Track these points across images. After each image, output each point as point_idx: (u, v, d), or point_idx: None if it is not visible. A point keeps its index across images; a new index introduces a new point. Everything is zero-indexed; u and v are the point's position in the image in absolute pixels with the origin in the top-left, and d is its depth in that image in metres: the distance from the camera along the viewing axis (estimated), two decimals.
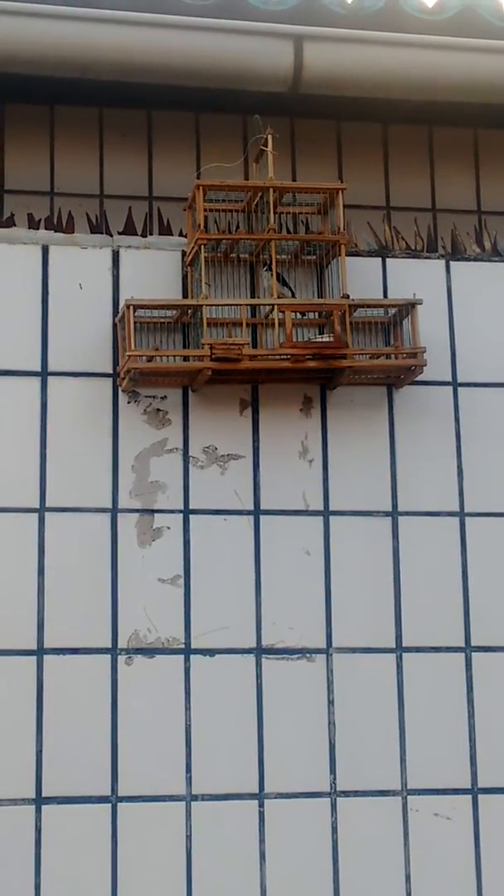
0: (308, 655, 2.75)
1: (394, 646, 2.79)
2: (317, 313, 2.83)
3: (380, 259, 2.93)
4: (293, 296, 2.85)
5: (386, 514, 2.83)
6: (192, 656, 2.71)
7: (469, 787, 2.76)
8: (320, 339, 2.78)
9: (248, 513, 2.78)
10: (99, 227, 2.99)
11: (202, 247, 2.72)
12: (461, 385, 2.90)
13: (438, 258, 2.96)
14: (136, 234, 2.97)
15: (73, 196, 3.13)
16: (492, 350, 2.93)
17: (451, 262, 2.95)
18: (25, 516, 2.70)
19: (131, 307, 2.68)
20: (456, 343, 2.92)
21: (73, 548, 2.71)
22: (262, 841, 2.67)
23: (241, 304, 2.75)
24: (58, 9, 2.89)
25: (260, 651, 2.74)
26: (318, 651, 2.76)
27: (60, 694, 2.65)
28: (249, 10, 2.98)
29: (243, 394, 2.82)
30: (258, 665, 2.73)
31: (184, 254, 2.83)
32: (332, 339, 2.74)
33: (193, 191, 2.75)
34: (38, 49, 2.91)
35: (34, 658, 2.65)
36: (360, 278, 2.87)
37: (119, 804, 2.64)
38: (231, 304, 2.76)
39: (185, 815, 2.66)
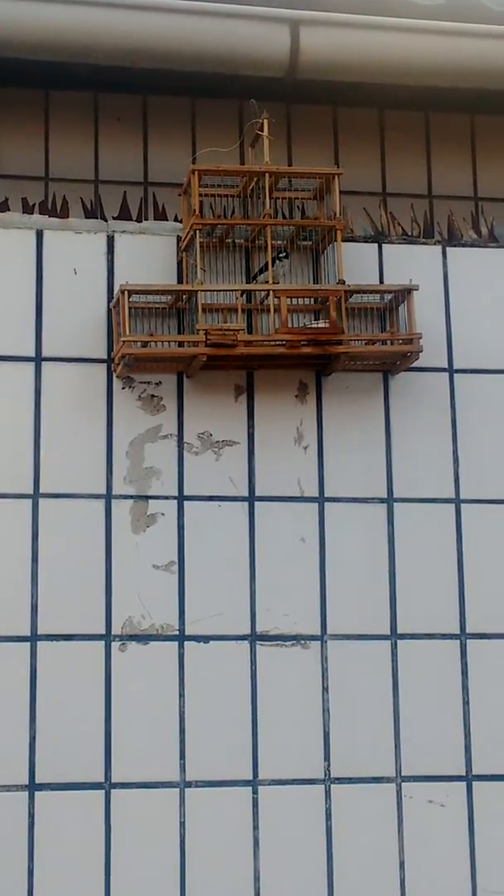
0: (302, 642, 2.75)
1: (388, 633, 2.78)
2: (312, 299, 2.82)
3: (376, 245, 2.92)
4: (287, 256, 2.81)
5: (381, 500, 2.83)
6: (186, 643, 2.70)
7: (463, 774, 2.76)
8: (316, 325, 2.77)
9: (242, 499, 2.77)
10: (94, 212, 2.98)
11: (197, 232, 2.71)
12: (457, 371, 2.89)
13: (435, 244, 2.95)
14: (132, 220, 2.96)
15: (68, 181, 3.12)
16: (488, 336, 2.92)
17: (448, 248, 2.94)
18: (19, 502, 2.70)
19: (126, 292, 2.67)
20: (452, 329, 2.91)
21: (66, 534, 2.70)
22: (255, 827, 2.67)
23: (236, 290, 2.74)
24: None
25: (254, 638, 2.73)
26: (312, 638, 2.75)
27: (54, 680, 2.64)
28: None
29: (238, 380, 2.81)
30: (252, 652, 2.73)
31: (179, 239, 2.82)
32: (327, 324, 2.73)
33: (189, 176, 2.74)
34: (33, 33, 2.90)
35: (28, 644, 2.65)
36: (356, 264, 2.86)
37: (113, 791, 2.63)
38: (226, 290, 2.75)
39: (178, 802, 2.65)
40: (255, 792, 2.68)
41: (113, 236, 2.82)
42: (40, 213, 2.88)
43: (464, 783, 2.76)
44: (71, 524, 2.70)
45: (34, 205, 2.96)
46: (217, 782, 2.67)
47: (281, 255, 2.79)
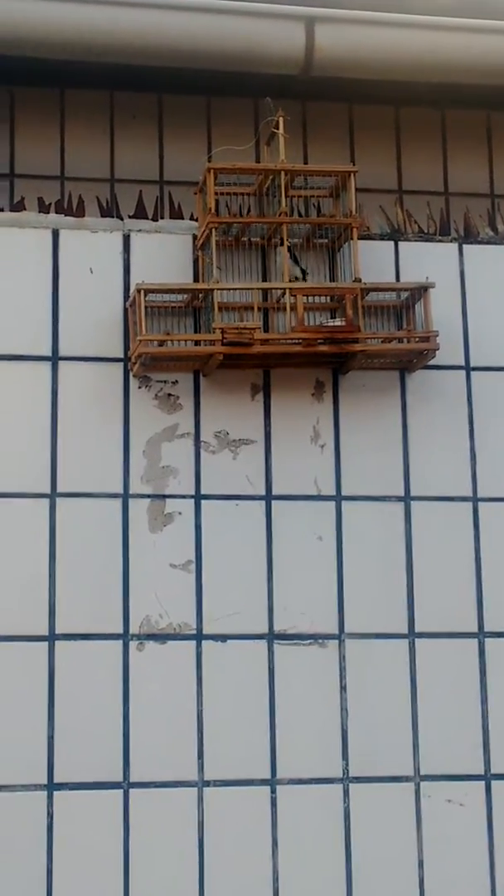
0: (320, 641, 2.74)
1: (406, 631, 2.78)
2: (329, 297, 2.81)
3: (392, 242, 2.91)
4: (304, 276, 2.83)
5: (398, 499, 2.82)
6: (203, 642, 2.70)
7: (482, 773, 2.76)
8: (332, 324, 2.77)
9: (259, 498, 2.77)
10: (110, 211, 2.98)
11: (213, 230, 2.71)
12: (474, 369, 2.89)
13: (451, 241, 2.94)
14: (147, 219, 2.96)
15: (84, 180, 3.12)
16: None
17: (464, 246, 2.94)
18: (36, 502, 2.70)
19: (142, 291, 2.67)
20: (469, 327, 2.90)
21: (84, 533, 2.70)
22: (274, 827, 2.67)
23: (252, 289, 2.74)
24: None
25: (272, 637, 2.73)
26: (330, 637, 2.75)
27: (72, 680, 2.64)
28: None
29: (255, 378, 2.81)
30: (270, 651, 2.73)
31: (195, 238, 2.82)
32: (344, 323, 2.72)
33: (204, 174, 2.74)
34: (48, 32, 2.90)
35: (45, 644, 2.65)
36: (372, 262, 2.85)
37: (131, 790, 2.63)
38: (242, 289, 2.75)
39: (197, 801, 2.65)
40: (273, 791, 2.68)
41: (129, 235, 2.82)
42: (56, 213, 2.87)
43: (482, 782, 2.76)
44: (88, 523, 2.70)
45: (50, 204, 2.97)
46: (235, 781, 2.67)
47: (299, 275, 2.79)
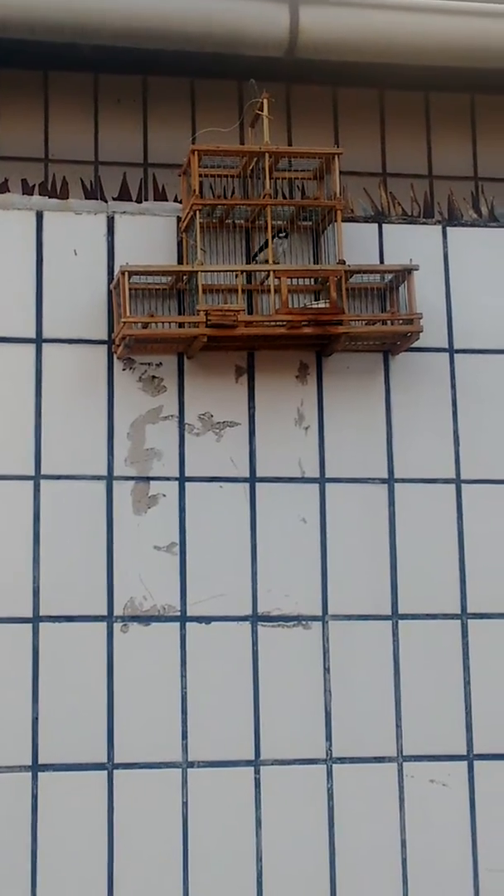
0: (304, 623, 2.75)
1: (390, 613, 2.79)
2: (313, 279, 2.82)
3: (376, 225, 2.92)
4: (286, 236, 2.81)
5: (382, 481, 2.83)
6: (187, 624, 2.71)
7: (465, 753, 2.77)
8: (316, 306, 2.77)
9: (243, 480, 2.78)
10: (94, 193, 2.97)
11: (197, 212, 2.71)
12: (458, 351, 2.89)
13: (435, 224, 2.94)
14: (132, 201, 2.95)
15: (68, 162, 3.11)
16: (489, 316, 2.92)
17: (448, 228, 2.94)
18: (20, 484, 2.70)
19: (126, 273, 2.67)
20: (453, 309, 2.90)
21: (68, 515, 2.70)
22: (258, 807, 2.68)
23: (236, 271, 2.74)
24: None
25: (256, 618, 2.74)
26: (313, 618, 2.75)
27: (56, 661, 2.65)
28: None
29: (239, 361, 2.81)
30: (254, 632, 2.73)
31: (179, 220, 2.82)
32: (328, 305, 2.72)
33: (189, 156, 2.74)
34: (32, 13, 2.89)
35: (30, 626, 2.65)
36: (356, 244, 2.85)
37: (115, 771, 2.64)
38: (226, 271, 2.75)
39: (181, 782, 2.66)
40: (257, 772, 2.69)
41: (113, 217, 2.81)
42: (40, 195, 2.87)
43: (465, 763, 2.77)
44: (72, 506, 2.70)
45: (34, 186, 2.96)
46: (219, 762, 2.68)
47: (281, 235, 2.79)
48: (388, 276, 2.83)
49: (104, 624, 2.68)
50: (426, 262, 2.87)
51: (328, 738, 2.72)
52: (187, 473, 2.76)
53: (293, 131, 3.20)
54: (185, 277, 2.75)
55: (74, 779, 2.62)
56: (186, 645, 2.70)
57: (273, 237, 2.75)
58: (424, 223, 2.94)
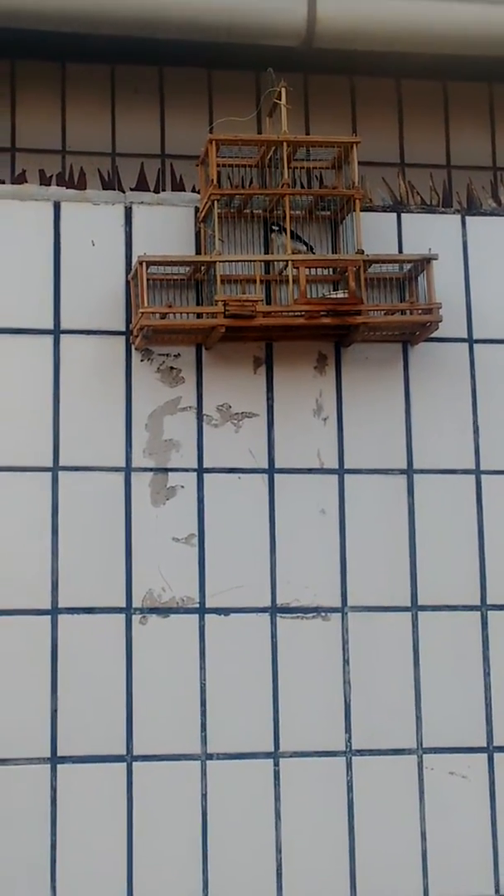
0: (323, 614, 2.74)
1: (409, 604, 2.78)
2: (331, 269, 2.81)
3: (395, 214, 2.90)
4: (311, 251, 2.82)
5: (401, 471, 2.82)
6: (206, 615, 2.70)
7: (485, 745, 2.76)
8: (335, 296, 2.76)
9: (262, 471, 2.77)
10: (111, 183, 2.96)
11: (215, 202, 2.70)
12: (477, 341, 2.88)
13: (454, 213, 2.93)
14: (149, 191, 2.94)
15: (85, 153, 3.11)
16: None
17: (467, 217, 2.92)
18: (39, 476, 2.69)
19: (144, 264, 2.66)
20: (472, 299, 2.89)
21: (86, 507, 2.70)
22: (277, 800, 2.67)
23: (254, 261, 2.73)
24: None
25: (275, 610, 2.73)
26: (333, 610, 2.75)
27: (75, 653, 2.65)
28: None
29: (257, 351, 2.80)
30: (273, 624, 2.73)
31: (197, 210, 2.81)
32: (346, 295, 2.71)
33: (206, 145, 2.73)
34: (49, 4, 2.89)
35: (49, 618, 2.65)
36: (374, 234, 2.84)
37: (134, 763, 2.64)
38: (245, 261, 2.74)
39: (200, 774, 2.66)
40: (276, 764, 2.68)
41: (131, 207, 2.81)
42: (58, 185, 2.86)
43: (485, 754, 2.76)
44: (90, 497, 2.70)
45: (51, 177, 2.96)
46: (238, 755, 2.67)
47: (274, 228, 2.78)
48: (407, 266, 2.82)
49: (123, 616, 2.68)
50: (445, 252, 2.85)
51: (347, 729, 2.72)
52: (206, 465, 2.75)
53: (311, 121, 3.20)
54: (203, 268, 2.74)
55: (93, 771, 2.62)
56: (205, 637, 2.70)
57: (269, 231, 2.74)
58: (443, 212, 2.93)
